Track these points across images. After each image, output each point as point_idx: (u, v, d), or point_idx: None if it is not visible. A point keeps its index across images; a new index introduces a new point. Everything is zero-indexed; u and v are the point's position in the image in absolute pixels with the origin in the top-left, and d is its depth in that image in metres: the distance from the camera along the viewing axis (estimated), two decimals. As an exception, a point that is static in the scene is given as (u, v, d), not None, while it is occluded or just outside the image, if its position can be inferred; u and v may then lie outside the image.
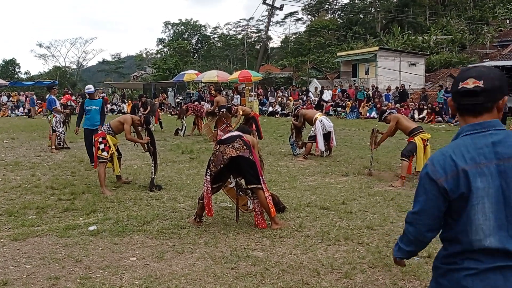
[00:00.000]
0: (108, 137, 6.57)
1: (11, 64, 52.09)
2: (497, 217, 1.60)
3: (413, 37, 33.97)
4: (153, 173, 6.71)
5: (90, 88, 9.05)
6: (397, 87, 23.05)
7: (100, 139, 6.57)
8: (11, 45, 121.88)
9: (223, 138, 4.96)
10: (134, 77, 56.31)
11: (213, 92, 12.33)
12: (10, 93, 29.75)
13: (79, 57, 62.64)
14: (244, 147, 4.73)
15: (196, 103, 17.91)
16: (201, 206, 4.84)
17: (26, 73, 56.66)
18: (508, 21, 35.74)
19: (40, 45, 61.18)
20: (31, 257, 4.03)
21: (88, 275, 3.61)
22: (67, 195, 6.28)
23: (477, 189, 1.62)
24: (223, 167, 4.70)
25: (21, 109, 27.29)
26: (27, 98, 27.41)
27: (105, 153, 6.51)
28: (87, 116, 8.64)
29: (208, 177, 4.73)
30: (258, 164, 4.80)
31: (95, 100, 8.89)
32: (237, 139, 4.78)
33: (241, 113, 11.05)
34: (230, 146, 4.71)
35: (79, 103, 8.76)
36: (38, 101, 26.64)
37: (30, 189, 6.64)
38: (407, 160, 7.05)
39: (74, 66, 62.44)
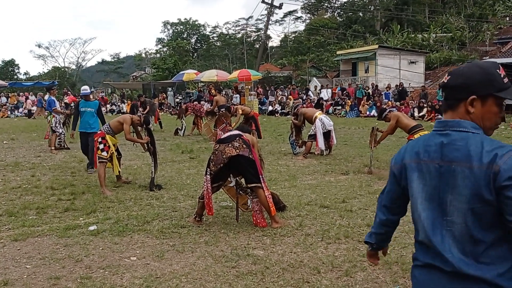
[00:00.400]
0: (107, 137, 6.57)
1: (10, 65, 52.11)
2: (431, 216, 1.59)
3: (413, 35, 33.93)
4: (153, 173, 6.71)
5: (85, 89, 8.74)
6: (396, 85, 23.03)
7: (100, 139, 6.57)
8: (10, 45, 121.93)
9: (222, 137, 4.96)
10: (134, 77, 56.29)
11: (213, 91, 12.31)
12: (9, 94, 29.72)
13: (78, 58, 62.62)
14: (244, 146, 4.73)
15: (196, 102, 17.91)
16: (202, 205, 4.84)
17: (25, 73, 56.74)
18: (508, 18, 35.70)
19: (39, 46, 60.91)
20: (31, 257, 4.03)
21: (88, 274, 3.61)
22: (67, 195, 6.28)
23: (413, 183, 1.64)
24: (223, 166, 4.70)
25: (20, 109, 27.29)
26: (27, 99, 27.41)
27: (104, 153, 6.51)
28: (81, 118, 8.34)
29: (208, 176, 4.73)
30: (257, 163, 4.81)
31: (91, 102, 8.52)
32: (237, 138, 4.78)
33: (240, 112, 11.05)
34: (229, 145, 4.71)
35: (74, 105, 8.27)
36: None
37: (30, 190, 6.64)
38: None
39: (73, 67, 62.44)
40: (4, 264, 3.88)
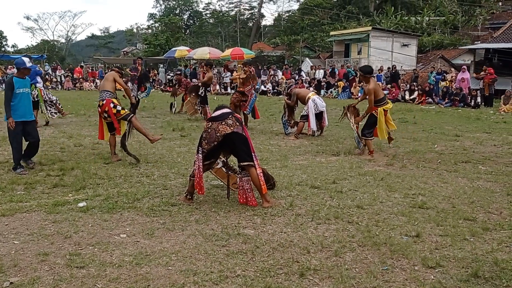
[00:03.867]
0: (114, 100, 6.81)
1: (-3, 37, 50.92)
2: None
3: (406, 18, 33.79)
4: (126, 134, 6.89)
5: (27, 61, 6.26)
6: (389, 68, 23.00)
7: (112, 105, 6.72)
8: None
9: (214, 115, 4.89)
10: (124, 52, 55.42)
11: (204, 68, 12.11)
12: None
13: (67, 31, 61.53)
14: (237, 123, 4.72)
15: (188, 80, 17.67)
16: (192, 184, 4.83)
17: (13, 46, 55.56)
18: (500, 3, 35.65)
19: (28, 18, 59.81)
20: (19, 232, 4.00)
21: (77, 251, 3.60)
22: (56, 171, 6.22)
23: None
24: (216, 144, 4.68)
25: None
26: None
27: (119, 108, 6.75)
28: (14, 102, 6.08)
29: (200, 155, 4.70)
30: (250, 141, 4.79)
31: (26, 80, 6.35)
32: (230, 116, 4.75)
33: (241, 76, 10.50)
34: (223, 123, 4.68)
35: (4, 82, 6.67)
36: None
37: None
38: (370, 138, 7.50)
39: (63, 40, 61.35)
40: (-8, 239, 3.84)
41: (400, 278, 3.23)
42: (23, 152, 6.37)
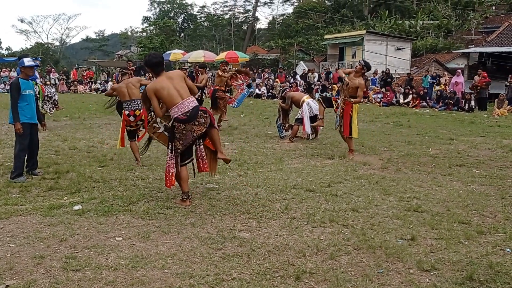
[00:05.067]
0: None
1: (-9, 39, 50.56)
2: None
3: (400, 22, 34.02)
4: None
5: (26, 60, 6.10)
6: (383, 72, 23.13)
7: (132, 118, 6.74)
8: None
9: (183, 117, 4.71)
10: (119, 55, 55.29)
11: (199, 70, 12.13)
12: None
13: (62, 34, 61.40)
14: (206, 116, 4.85)
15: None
16: (181, 183, 4.92)
17: (7, 49, 55.20)
18: (494, 7, 35.97)
19: (22, 21, 59.60)
20: (15, 236, 3.98)
21: (73, 254, 3.59)
22: (51, 174, 6.20)
23: None
24: (191, 143, 4.90)
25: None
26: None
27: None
28: (21, 104, 5.94)
29: (174, 153, 4.80)
30: (212, 116, 5.01)
31: (30, 82, 6.22)
32: (199, 113, 4.79)
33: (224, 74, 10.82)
34: (196, 123, 4.78)
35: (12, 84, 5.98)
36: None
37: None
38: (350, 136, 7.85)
39: (57, 43, 61.00)
40: (-14, 242, 3.82)
41: (396, 281, 3.25)
42: (25, 166, 6.10)
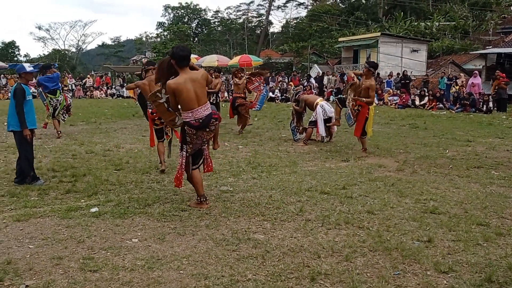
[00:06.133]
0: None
1: (11, 46, 51.62)
2: None
3: (416, 23, 33.69)
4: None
5: (26, 66, 6.24)
6: (398, 74, 22.93)
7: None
8: (10, 27, 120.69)
9: (196, 124, 4.68)
10: (134, 61, 55.93)
11: (213, 74, 12.19)
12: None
13: (78, 40, 62.18)
14: (217, 123, 4.95)
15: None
16: (196, 187, 4.92)
17: (25, 55, 56.38)
18: (511, 7, 35.38)
19: (39, 28, 60.50)
20: (34, 237, 4.06)
21: (90, 255, 3.64)
22: (68, 177, 6.29)
23: None
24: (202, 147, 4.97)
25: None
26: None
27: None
28: (25, 110, 5.96)
29: (185, 153, 4.82)
30: (219, 116, 5.16)
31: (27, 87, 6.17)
32: (211, 121, 4.79)
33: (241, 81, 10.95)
34: (207, 129, 4.81)
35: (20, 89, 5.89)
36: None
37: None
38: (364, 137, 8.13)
39: (74, 49, 62.01)
40: (7, 243, 3.90)
41: (412, 283, 3.21)
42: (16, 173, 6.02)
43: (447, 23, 33.18)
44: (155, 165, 7.10)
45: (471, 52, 27.07)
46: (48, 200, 5.24)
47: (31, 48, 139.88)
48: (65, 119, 11.15)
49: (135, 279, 3.24)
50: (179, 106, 4.80)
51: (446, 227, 4.31)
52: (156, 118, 6.65)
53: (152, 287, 3.13)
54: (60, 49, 57.05)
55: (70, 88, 28.38)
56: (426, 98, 18.88)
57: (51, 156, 7.90)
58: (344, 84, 22.85)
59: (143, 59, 52.75)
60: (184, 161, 4.83)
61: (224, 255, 3.66)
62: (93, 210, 4.79)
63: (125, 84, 29.02)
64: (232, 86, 11.47)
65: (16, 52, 52.56)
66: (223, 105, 19.52)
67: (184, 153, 4.83)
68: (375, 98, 20.08)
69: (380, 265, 3.50)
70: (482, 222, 4.43)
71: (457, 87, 19.00)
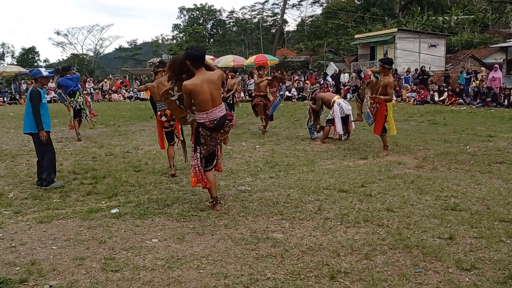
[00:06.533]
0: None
1: (31, 52, 52.74)
2: None
3: (433, 18, 33.16)
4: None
5: (42, 71, 6.39)
6: (416, 69, 22.61)
7: (164, 118, 6.50)
8: (30, 33, 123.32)
9: (210, 125, 4.66)
10: (151, 63, 56.42)
11: (229, 74, 12.20)
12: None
13: (96, 44, 63.20)
14: (231, 124, 4.95)
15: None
16: (210, 188, 4.88)
17: (45, 61, 57.51)
18: (532, -1, 34.52)
19: (58, 33, 61.88)
20: (56, 238, 4.14)
21: (112, 255, 3.70)
22: (89, 179, 6.40)
23: None
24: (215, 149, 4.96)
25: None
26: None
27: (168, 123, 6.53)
28: (41, 112, 6.05)
29: (198, 154, 4.78)
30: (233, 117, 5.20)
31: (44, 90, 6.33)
32: (225, 122, 4.76)
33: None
34: (221, 131, 4.78)
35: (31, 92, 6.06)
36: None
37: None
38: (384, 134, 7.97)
39: (92, 54, 63.02)
40: (31, 245, 4.00)
41: (434, 280, 3.17)
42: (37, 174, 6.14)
43: (466, 16, 32.57)
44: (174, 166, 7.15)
45: (491, 46, 26.51)
46: (69, 202, 5.34)
47: (50, 53, 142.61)
48: (90, 120, 11.28)
49: (155, 278, 3.28)
50: (193, 107, 4.79)
51: (467, 224, 4.24)
52: (165, 121, 6.55)
53: (173, 287, 3.17)
54: (78, 53, 58.11)
55: (89, 91, 28.90)
56: (446, 94, 18.57)
57: (71, 159, 8.05)
58: (361, 82, 22.70)
59: (155, 60, 53.28)
60: (198, 162, 4.78)
61: (243, 254, 3.67)
62: (113, 211, 4.86)
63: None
64: (254, 85, 11.43)
65: (36, 58, 53.70)
66: (240, 105, 19.60)
67: (198, 154, 4.79)
68: (393, 95, 19.96)
69: (400, 263, 3.46)
70: (505, 219, 4.34)
71: (477, 82, 18.63)
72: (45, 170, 6.05)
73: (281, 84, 11.49)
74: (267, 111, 10.72)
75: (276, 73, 11.31)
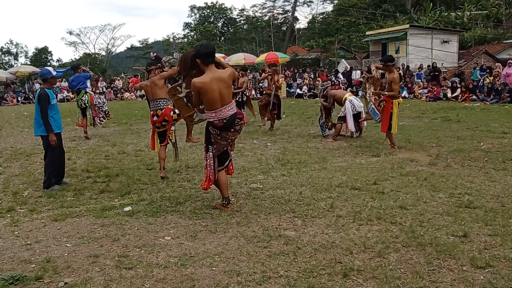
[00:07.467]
0: (172, 107, 6.31)
1: (44, 52, 53.34)
2: None
3: (446, 13, 32.76)
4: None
5: (51, 70, 6.27)
6: (428, 66, 22.37)
7: (171, 112, 6.28)
8: (43, 33, 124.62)
9: (220, 124, 4.62)
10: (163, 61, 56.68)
11: (240, 72, 12.20)
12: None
13: (108, 44, 63.53)
14: (242, 123, 4.86)
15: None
16: (221, 188, 4.86)
17: (58, 60, 58.03)
18: (547, -7, 33.92)
19: (70, 33, 62.21)
20: (71, 236, 4.19)
21: (125, 253, 3.74)
22: (102, 178, 6.46)
23: None
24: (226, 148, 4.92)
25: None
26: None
27: (177, 112, 6.15)
28: (51, 114, 5.98)
29: (211, 154, 4.76)
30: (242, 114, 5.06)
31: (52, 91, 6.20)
32: (236, 121, 4.70)
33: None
34: (232, 130, 4.72)
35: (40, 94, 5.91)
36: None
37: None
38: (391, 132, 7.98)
39: (104, 53, 63.41)
40: (46, 242, 4.05)
41: (448, 278, 3.14)
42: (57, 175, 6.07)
43: (479, 12, 32.12)
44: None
45: (505, 41, 26.13)
46: (83, 200, 5.41)
47: (63, 53, 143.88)
48: (103, 122, 11.34)
49: (169, 276, 3.31)
50: (201, 106, 4.75)
51: (482, 221, 4.19)
52: (157, 121, 6.39)
53: (186, 284, 3.19)
54: (90, 53, 58.52)
55: (101, 91, 29.14)
56: (459, 90, 18.34)
57: (85, 158, 8.13)
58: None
59: (152, 55, 53.44)
60: (211, 162, 4.76)
61: (256, 252, 3.68)
62: (126, 209, 4.90)
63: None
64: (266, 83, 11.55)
65: (49, 57, 54.31)
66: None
67: (210, 153, 4.77)
68: (405, 92, 19.76)
69: (414, 260, 3.44)
70: (520, 216, 4.28)
71: (491, 78, 18.36)
72: (45, 171, 6.01)
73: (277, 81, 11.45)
74: (273, 111, 10.87)
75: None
